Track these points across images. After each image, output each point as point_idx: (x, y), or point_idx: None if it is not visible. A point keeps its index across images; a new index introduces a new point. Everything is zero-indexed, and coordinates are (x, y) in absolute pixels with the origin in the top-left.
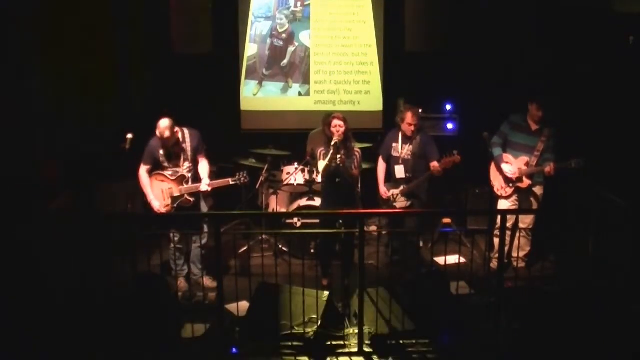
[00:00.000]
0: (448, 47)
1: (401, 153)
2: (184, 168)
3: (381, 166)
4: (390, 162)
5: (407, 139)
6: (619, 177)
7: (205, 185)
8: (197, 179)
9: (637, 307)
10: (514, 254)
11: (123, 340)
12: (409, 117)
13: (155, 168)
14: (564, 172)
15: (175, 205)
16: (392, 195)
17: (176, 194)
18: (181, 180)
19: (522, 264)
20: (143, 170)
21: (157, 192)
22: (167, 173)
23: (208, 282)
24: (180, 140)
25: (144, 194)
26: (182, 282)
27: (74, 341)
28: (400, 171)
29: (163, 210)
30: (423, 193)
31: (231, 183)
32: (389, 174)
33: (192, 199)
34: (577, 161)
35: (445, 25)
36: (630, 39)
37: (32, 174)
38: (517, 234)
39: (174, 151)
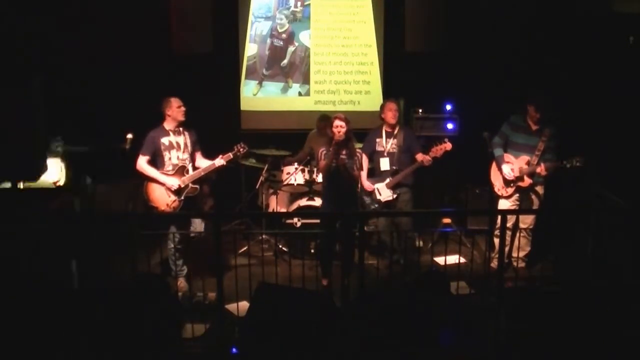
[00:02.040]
0: (448, 47)
1: (386, 147)
2: (184, 158)
3: (364, 163)
4: (375, 157)
5: (390, 134)
6: (619, 177)
7: (219, 159)
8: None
9: (637, 307)
10: (514, 254)
11: (123, 341)
12: (389, 104)
13: (153, 163)
14: (562, 172)
15: (182, 198)
16: (377, 190)
17: (182, 184)
18: (181, 171)
19: (522, 264)
20: (143, 160)
21: (160, 192)
22: (167, 169)
23: (181, 283)
24: (182, 129)
25: (146, 191)
26: (182, 282)
27: (74, 341)
28: (385, 163)
29: (182, 185)
30: (409, 182)
31: (232, 157)
32: (372, 170)
33: (197, 187)
34: (575, 160)
35: (445, 25)
36: (630, 39)
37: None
38: (518, 234)
39: (175, 140)
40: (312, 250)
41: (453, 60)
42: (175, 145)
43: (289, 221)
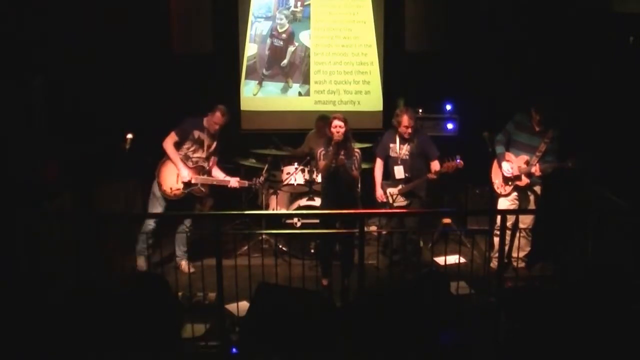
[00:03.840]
0: (448, 47)
1: (399, 153)
2: (199, 158)
3: (379, 167)
4: (389, 162)
5: (404, 140)
6: (619, 177)
7: (234, 181)
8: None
9: (637, 307)
10: (514, 254)
11: (122, 340)
12: (405, 120)
13: (177, 148)
14: (562, 173)
15: (186, 191)
16: (390, 194)
17: (193, 181)
18: (200, 170)
19: (522, 264)
20: (171, 140)
21: (171, 175)
22: (180, 154)
23: (184, 266)
24: (214, 136)
25: (160, 168)
26: (184, 265)
27: (74, 341)
28: (399, 171)
29: (193, 181)
30: (422, 192)
31: (246, 185)
32: (387, 173)
33: (204, 190)
34: (572, 162)
35: (445, 25)
36: (630, 39)
37: (32, 174)
38: (517, 234)
39: (204, 138)
40: (312, 250)
41: (453, 60)
42: (200, 145)
43: (289, 221)
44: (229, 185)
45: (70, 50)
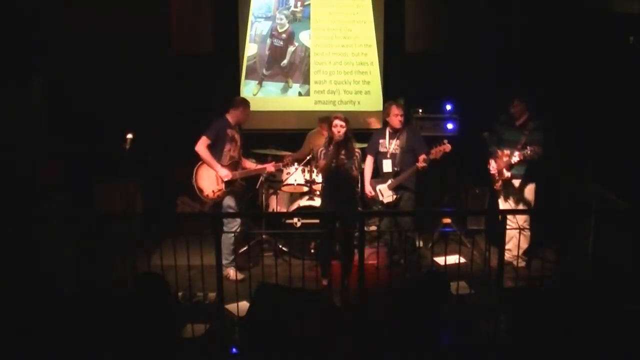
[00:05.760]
0: (448, 47)
1: (389, 148)
2: (237, 154)
3: (369, 164)
4: (378, 157)
5: (394, 135)
6: (619, 177)
7: (270, 166)
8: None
9: (636, 306)
10: (514, 253)
11: (123, 341)
12: (394, 109)
13: (211, 149)
14: (559, 171)
15: (228, 190)
16: (379, 191)
17: (232, 177)
18: (235, 166)
19: (522, 264)
20: (204, 144)
21: (210, 178)
22: (223, 160)
23: (232, 274)
24: (238, 127)
25: (196, 174)
26: (231, 272)
27: (74, 341)
28: (387, 165)
29: (233, 178)
30: (411, 184)
31: (281, 167)
32: (377, 171)
33: (244, 183)
34: (532, 150)
35: (446, 25)
36: (630, 38)
37: (32, 174)
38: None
39: (235, 135)
40: (312, 250)
41: (453, 60)
42: (235, 139)
43: (289, 221)
44: (265, 172)
45: (70, 50)
